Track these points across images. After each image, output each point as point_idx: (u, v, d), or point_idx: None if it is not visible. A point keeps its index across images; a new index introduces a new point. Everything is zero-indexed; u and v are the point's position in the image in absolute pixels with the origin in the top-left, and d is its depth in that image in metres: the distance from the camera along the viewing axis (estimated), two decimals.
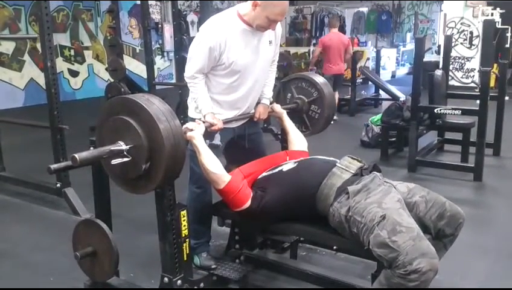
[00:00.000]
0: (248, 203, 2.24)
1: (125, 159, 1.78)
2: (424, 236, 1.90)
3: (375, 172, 2.23)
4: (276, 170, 2.37)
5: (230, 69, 2.45)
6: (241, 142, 2.70)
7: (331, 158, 2.37)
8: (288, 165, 2.36)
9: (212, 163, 2.24)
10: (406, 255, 1.80)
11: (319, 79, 2.94)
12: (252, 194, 2.26)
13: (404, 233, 1.86)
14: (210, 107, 2.49)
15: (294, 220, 2.28)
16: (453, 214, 2.13)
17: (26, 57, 9.34)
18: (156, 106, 1.80)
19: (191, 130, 2.25)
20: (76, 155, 1.69)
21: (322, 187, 2.16)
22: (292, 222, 2.28)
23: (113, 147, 1.78)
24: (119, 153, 1.78)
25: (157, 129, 1.74)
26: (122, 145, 1.79)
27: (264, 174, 2.39)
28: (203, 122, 2.38)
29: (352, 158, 2.28)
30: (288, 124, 2.77)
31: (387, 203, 2.00)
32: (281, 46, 2.93)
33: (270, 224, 2.37)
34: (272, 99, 2.81)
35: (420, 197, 2.15)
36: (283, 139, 2.93)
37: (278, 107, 2.79)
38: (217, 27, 2.41)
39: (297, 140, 2.72)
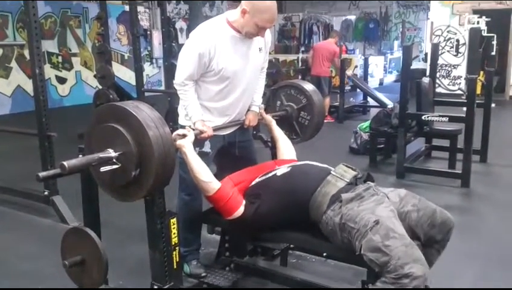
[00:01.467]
0: (240, 210, 2.24)
1: (115, 167, 1.77)
2: (415, 245, 1.91)
3: (369, 182, 2.23)
4: (270, 174, 2.36)
5: (220, 76, 2.45)
6: (232, 149, 2.70)
7: (325, 165, 2.37)
8: (282, 170, 2.36)
9: (201, 171, 2.24)
10: (398, 260, 1.82)
11: (308, 86, 2.95)
12: (244, 202, 2.26)
13: (397, 239, 1.88)
14: (200, 114, 2.49)
15: (285, 228, 2.27)
16: (443, 221, 2.15)
17: (14, 64, 9.26)
18: (145, 113, 1.79)
19: (182, 136, 2.25)
20: (65, 163, 1.68)
21: (316, 195, 2.16)
22: (282, 229, 2.28)
23: (102, 155, 1.77)
24: (108, 161, 1.77)
25: (147, 136, 1.74)
26: (111, 153, 1.78)
27: (257, 180, 2.38)
28: (193, 129, 2.38)
29: (347, 166, 2.28)
30: (277, 132, 2.78)
31: (381, 211, 2.01)
32: (269, 53, 2.94)
33: (262, 231, 2.37)
34: (262, 106, 2.82)
35: (412, 205, 2.16)
36: (273, 146, 2.94)
37: (267, 116, 2.80)
38: (206, 33, 2.42)
39: (286, 148, 2.72)
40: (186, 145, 2.23)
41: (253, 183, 2.38)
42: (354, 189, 2.15)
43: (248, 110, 2.72)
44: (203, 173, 2.24)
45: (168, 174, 1.84)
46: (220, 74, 2.44)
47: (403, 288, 1.80)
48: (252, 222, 2.24)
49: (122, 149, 1.77)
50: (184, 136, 2.26)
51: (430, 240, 2.15)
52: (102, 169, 1.78)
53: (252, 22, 2.35)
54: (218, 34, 2.41)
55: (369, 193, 2.13)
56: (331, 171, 2.25)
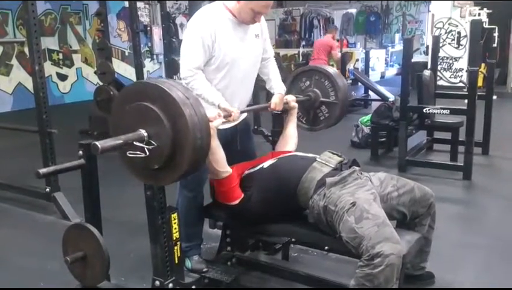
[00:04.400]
0: (237, 201, 2.27)
1: (149, 147, 1.66)
2: (390, 224, 1.97)
3: (354, 167, 2.28)
4: (258, 167, 2.39)
5: (220, 61, 2.42)
6: (233, 143, 2.69)
7: (312, 154, 2.40)
8: (268, 162, 2.38)
9: (220, 159, 2.24)
10: (369, 240, 1.87)
11: (343, 85, 2.80)
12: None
13: (370, 220, 1.93)
14: (221, 96, 2.42)
15: (284, 219, 2.28)
16: (422, 195, 2.28)
17: (14, 61, 9.26)
18: (180, 92, 1.68)
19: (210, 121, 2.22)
20: (97, 143, 1.56)
21: (302, 181, 2.20)
22: (283, 223, 2.29)
23: (135, 134, 1.66)
24: (142, 141, 1.66)
25: (183, 115, 1.62)
26: (144, 133, 1.67)
27: (246, 172, 2.40)
28: (221, 111, 2.33)
29: (332, 153, 2.34)
30: (292, 119, 2.74)
31: (360, 194, 2.08)
32: None
33: (261, 223, 2.37)
34: (285, 89, 2.75)
35: (392, 186, 2.26)
36: (274, 141, 2.93)
37: (293, 100, 2.71)
38: (205, 18, 2.41)
39: (291, 140, 2.70)
40: (212, 133, 2.15)
41: (242, 175, 2.39)
42: (339, 174, 2.19)
43: (272, 95, 2.69)
44: (221, 160, 2.24)
45: (203, 157, 1.76)
46: (221, 58, 2.41)
47: (373, 275, 1.82)
48: (244, 212, 2.27)
49: (156, 130, 1.66)
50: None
51: (415, 215, 2.28)
52: (130, 153, 1.66)
53: (247, 7, 2.34)
54: (217, 18, 2.40)
55: (353, 177, 2.19)
56: (317, 158, 2.30)
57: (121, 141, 1.64)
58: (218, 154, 2.23)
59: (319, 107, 2.85)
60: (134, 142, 1.66)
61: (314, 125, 2.90)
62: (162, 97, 1.67)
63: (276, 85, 2.71)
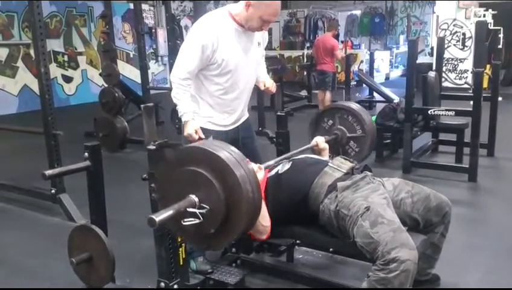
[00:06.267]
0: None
1: (201, 211, 1.61)
2: (405, 229, 1.95)
3: (366, 172, 2.27)
4: (273, 172, 2.37)
5: (222, 68, 2.44)
6: (235, 146, 2.69)
7: (325, 158, 2.39)
8: (284, 166, 2.36)
9: (265, 214, 2.15)
10: (385, 246, 1.85)
11: (367, 117, 2.81)
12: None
13: (385, 225, 1.91)
14: (191, 113, 2.48)
15: (291, 223, 2.27)
16: (438, 204, 2.23)
17: (20, 63, 9.31)
18: (227, 152, 1.65)
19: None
20: (155, 218, 1.52)
21: (313, 186, 2.19)
22: (288, 225, 2.28)
23: (188, 202, 1.62)
24: (194, 207, 1.62)
25: (232, 173, 1.58)
26: (195, 199, 1.63)
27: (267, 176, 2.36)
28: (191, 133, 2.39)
29: (344, 158, 2.33)
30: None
31: (374, 198, 2.05)
32: (274, 49, 2.94)
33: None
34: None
35: (406, 192, 2.23)
36: (278, 142, 2.93)
37: (322, 141, 2.68)
38: (209, 25, 2.41)
39: None
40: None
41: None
42: (351, 178, 2.18)
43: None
44: (265, 217, 2.15)
45: (257, 215, 1.69)
46: (222, 66, 2.43)
47: (388, 279, 1.81)
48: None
49: (207, 193, 1.61)
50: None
51: (428, 223, 2.22)
52: (186, 222, 1.62)
53: (256, 15, 2.35)
54: (221, 26, 2.41)
55: (365, 182, 2.17)
56: (329, 163, 2.28)
57: (173, 211, 1.59)
58: (263, 208, 2.11)
59: (347, 143, 2.84)
60: (187, 209, 1.62)
61: None
62: (207, 158, 1.63)
63: (262, 75, 2.78)
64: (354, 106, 2.89)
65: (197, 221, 1.61)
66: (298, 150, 2.62)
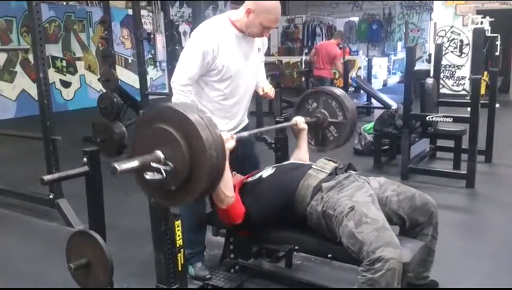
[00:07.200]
0: (241, 219, 2.24)
1: (165, 168, 1.65)
2: (390, 227, 1.97)
3: (350, 171, 2.28)
4: (256, 176, 2.38)
5: (222, 74, 2.45)
6: (234, 149, 2.69)
7: (308, 161, 2.42)
8: (267, 171, 2.37)
9: (228, 184, 2.18)
10: (369, 245, 1.87)
11: (351, 105, 2.81)
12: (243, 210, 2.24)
13: (369, 224, 1.93)
14: None
15: (285, 227, 2.27)
16: (423, 204, 2.24)
17: (18, 68, 9.30)
18: (196, 115, 1.69)
19: None
20: (116, 166, 1.56)
21: (299, 189, 2.20)
22: (287, 230, 2.28)
23: (153, 155, 1.66)
24: (159, 162, 1.66)
25: (200, 138, 1.63)
26: (160, 154, 1.67)
27: (244, 181, 2.39)
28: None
29: (327, 159, 2.34)
30: (303, 141, 2.72)
31: (358, 196, 2.07)
32: (272, 55, 2.96)
33: (263, 231, 2.36)
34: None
35: (392, 191, 2.25)
36: (276, 148, 2.93)
37: (302, 121, 2.70)
38: (210, 32, 2.42)
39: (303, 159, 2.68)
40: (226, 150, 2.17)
41: (242, 184, 2.37)
42: (335, 178, 2.19)
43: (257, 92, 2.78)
44: (229, 184, 2.19)
45: (219, 177, 1.75)
46: (223, 72, 2.44)
47: (375, 279, 1.82)
48: (248, 223, 2.24)
49: (173, 151, 1.66)
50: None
51: (414, 222, 2.23)
52: (150, 174, 1.65)
53: (257, 21, 2.36)
54: (221, 33, 2.42)
55: (350, 180, 2.19)
56: (312, 165, 2.30)
57: (138, 162, 1.63)
58: (227, 176, 2.19)
59: (327, 127, 2.84)
60: (151, 163, 1.65)
61: (323, 146, 2.88)
62: (177, 119, 1.67)
63: (262, 80, 2.79)
64: (339, 91, 2.87)
65: (160, 177, 1.64)
66: (275, 126, 2.62)
